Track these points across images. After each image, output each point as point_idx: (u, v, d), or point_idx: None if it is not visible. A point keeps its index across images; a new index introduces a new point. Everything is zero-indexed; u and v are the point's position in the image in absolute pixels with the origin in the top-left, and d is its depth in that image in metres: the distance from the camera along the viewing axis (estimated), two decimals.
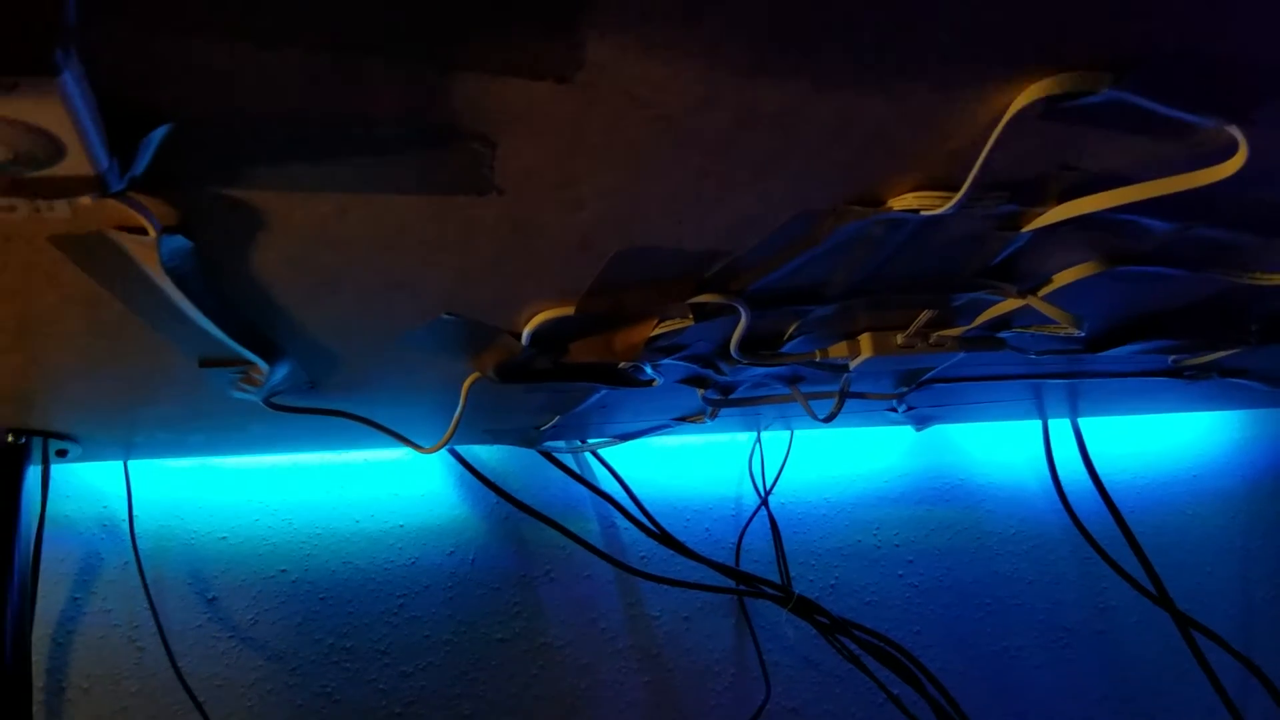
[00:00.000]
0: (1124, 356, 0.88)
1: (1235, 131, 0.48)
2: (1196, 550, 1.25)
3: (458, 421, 0.81)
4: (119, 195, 0.44)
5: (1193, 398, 1.15)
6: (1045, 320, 0.75)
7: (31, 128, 0.36)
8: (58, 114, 0.35)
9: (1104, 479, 1.21)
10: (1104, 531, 1.20)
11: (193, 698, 0.95)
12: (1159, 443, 1.28)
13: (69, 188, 0.41)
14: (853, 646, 1.10)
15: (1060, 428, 1.22)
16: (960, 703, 1.10)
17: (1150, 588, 1.18)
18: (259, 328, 0.63)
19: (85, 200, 0.44)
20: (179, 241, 0.50)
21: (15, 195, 0.41)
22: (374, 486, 1.05)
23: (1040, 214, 0.56)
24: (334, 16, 0.35)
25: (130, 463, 0.98)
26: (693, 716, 1.08)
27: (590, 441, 1.09)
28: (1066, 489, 1.21)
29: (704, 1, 0.36)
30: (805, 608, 1.10)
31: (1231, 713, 1.15)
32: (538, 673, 1.06)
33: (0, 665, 0.85)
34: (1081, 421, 1.22)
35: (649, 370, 0.81)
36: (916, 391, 0.97)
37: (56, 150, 0.38)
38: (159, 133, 0.40)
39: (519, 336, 0.69)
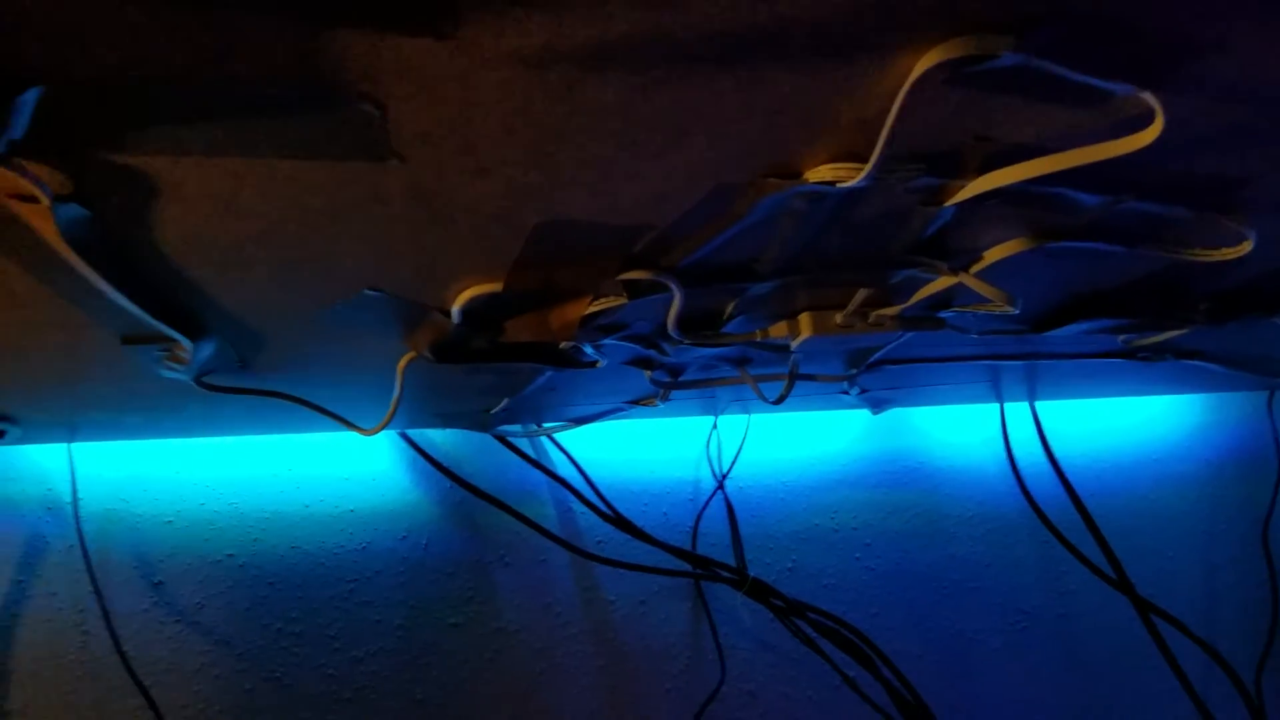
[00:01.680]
0: (1072, 337, 0.87)
1: (1150, 99, 0.47)
2: (1158, 535, 1.25)
3: (397, 403, 0.80)
4: (3, 161, 0.43)
5: (1151, 380, 1.14)
6: (984, 299, 0.74)
7: None
8: None
9: (1065, 463, 1.21)
10: (1064, 515, 1.19)
11: (138, 682, 0.94)
12: (1120, 426, 1.27)
13: None
14: (808, 630, 1.09)
15: (1019, 411, 1.22)
16: (916, 686, 1.10)
17: (1110, 572, 1.18)
18: (177, 303, 0.62)
19: None
20: (75, 210, 0.49)
21: None
22: (324, 469, 1.04)
23: (960, 187, 0.55)
24: None
25: (74, 444, 0.97)
26: (648, 700, 1.07)
27: (545, 425, 1.09)
28: (1026, 472, 1.20)
29: None
30: (761, 591, 1.09)
31: (1192, 698, 1.15)
32: (492, 658, 1.05)
33: None
34: (1041, 405, 1.22)
35: (591, 351, 0.80)
36: (868, 373, 0.96)
37: None
38: (30, 95, 0.39)
39: (449, 314, 0.68)
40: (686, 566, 1.10)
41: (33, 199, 0.47)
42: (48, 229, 0.49)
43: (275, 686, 0.99)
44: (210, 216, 0.51)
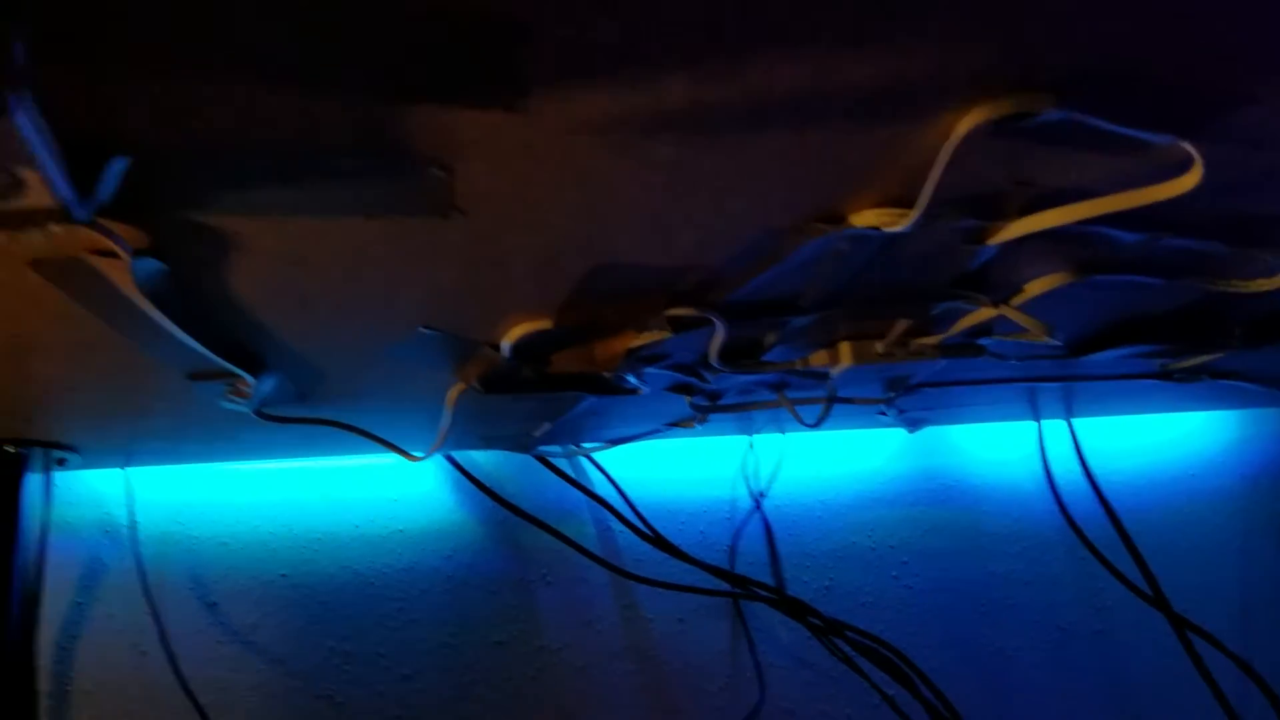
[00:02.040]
0: (1109, 361, 0.88)
1: (1189, 147, 0.49)
2: (1194, 550, 1.25)
3: (445, 431, 0.83)
4: (88, 223, 0.46)
5: (1186, 398, 1.15)
6: (1023, 328, 0.75)
7: None
8: (14, 151, 0.36)
9: (1100, 478, 1.21)
10: (1100, 531, 1.20)
11: (194, 702, 0.97)
12: (1156, 443, 1.28)
13: (35, 218, 0.43)
14: (846, 648, 1.10)
15: (1055, 428, 1.22)
16: (955, 704, 1.11)
17: (1146, 588, 1.18)
18: (242, 343, 0.65)
19: (55, 228, 0.45)
20: (152, 264, 0.51)
21: None
22: (372, 491, 1.07)
23: (1002, 228, 0.57)
24: (280, 51, 0.37)
25: (131, 469, 1.00)
26: (688, 718, 1.09)
27: (584, 446, 1.11)
28: (1063, 489, 1.21)
29: (639, 37, 0.37)
30: (798, 609, 1.11)
31: (1228, 714, 1.15)
32: (535, 675, 1.07)
33: (6, 670, 0.87)
34: (1076, 421, 1.22)
35: (633, 379, 0.82)
36: (906, 396, 0.97)
37: (17, 184, 0.39)
38: (118, 165, 0.42)
39: (499, 349, 0.70)
40: (724, 585, 1.12)
41: (112, 254, 0.50)
42: (126, 282, 0.52)
43: (328, 704, 1.01)
44: (279, 267, 0.53)
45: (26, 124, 0.35)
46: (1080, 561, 1.20)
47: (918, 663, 1.11)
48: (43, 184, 0.39)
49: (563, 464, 1.12)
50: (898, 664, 1.10)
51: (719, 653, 1.11)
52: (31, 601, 0.92)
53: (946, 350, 0.77)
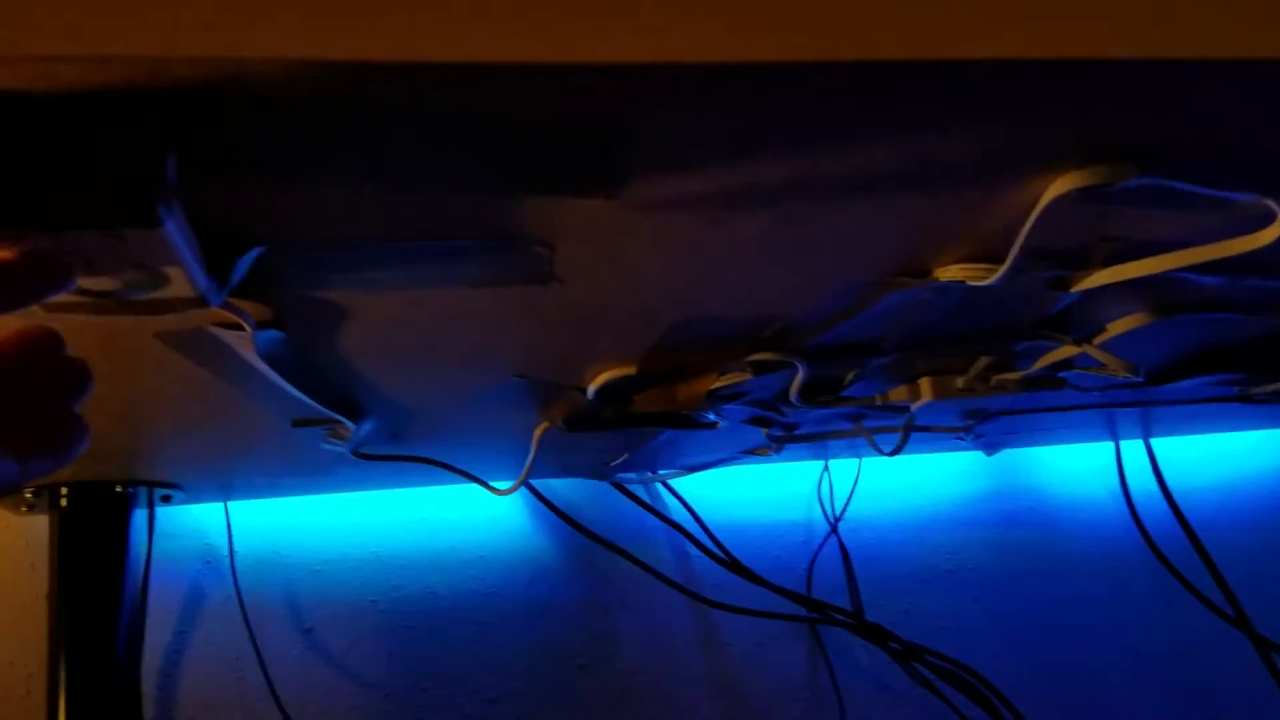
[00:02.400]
0: (1189, 388, 0.88)
1: (1271, 204, 0.49)
2: (1277, 569, 1.23)
3: (530, 467, 0.85)
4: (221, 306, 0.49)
5: (1266, 417, 1.13)
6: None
7: (138, 265, 0.40)
8: (161, 255, 0.39)
9: (1179, 497, 1.20)
10: (1181, 551, 1.19)
11: None
12: (1233, 456, 1.26)
13: (173, 305, 0.46)
14: (926, 672, 1.11)
15: (1133, 449, 1.22)
16: None
17: (1228, 609, 1.17)
18: (346, 394, 0.68)
19: (191, 312, 0.48)
20: (272, 334, 0.54)
21: (125, 312, 0.45)
22: (456, 517, 1.10)
23: (1086, 276, 0.58)
24: (404, 158, 0.39)
25: (230, 502, 1.04)
26: None
27: (660, 473, 1.13)
28: (1142, 509, 1.20)
29: (737, 130, 0.39)
30: (878, 634, 1.11)
31: None
32: (618, 699, 1.09)
33: (113, 697, 0.91)
34: (1154, 441, 1.22)
35: (712, 415, 0.83)
36: (984, 423, 0.98)
37: (161, 280, 0.42)
38: (251, 255, 0.44)
39: (585, 392, 0.72)
40: (801, 610, 1.13)
41: (237, 327, 0.53)
42: (247, 349, 0.55)
43: None
44: (387, 331, 0.56)
45: (174, 231, 0.38)
46: (1161, 582, 1.19)
47: (999, 686, 1.11)
48: (183, 279, 0.42)
49: (639, 490, 1.14)
50: (978, 688, 1.10)
51: (798, 677, 1.12)
52: (136, 630, 0.97)
53: (1028, 384, 0.77)
